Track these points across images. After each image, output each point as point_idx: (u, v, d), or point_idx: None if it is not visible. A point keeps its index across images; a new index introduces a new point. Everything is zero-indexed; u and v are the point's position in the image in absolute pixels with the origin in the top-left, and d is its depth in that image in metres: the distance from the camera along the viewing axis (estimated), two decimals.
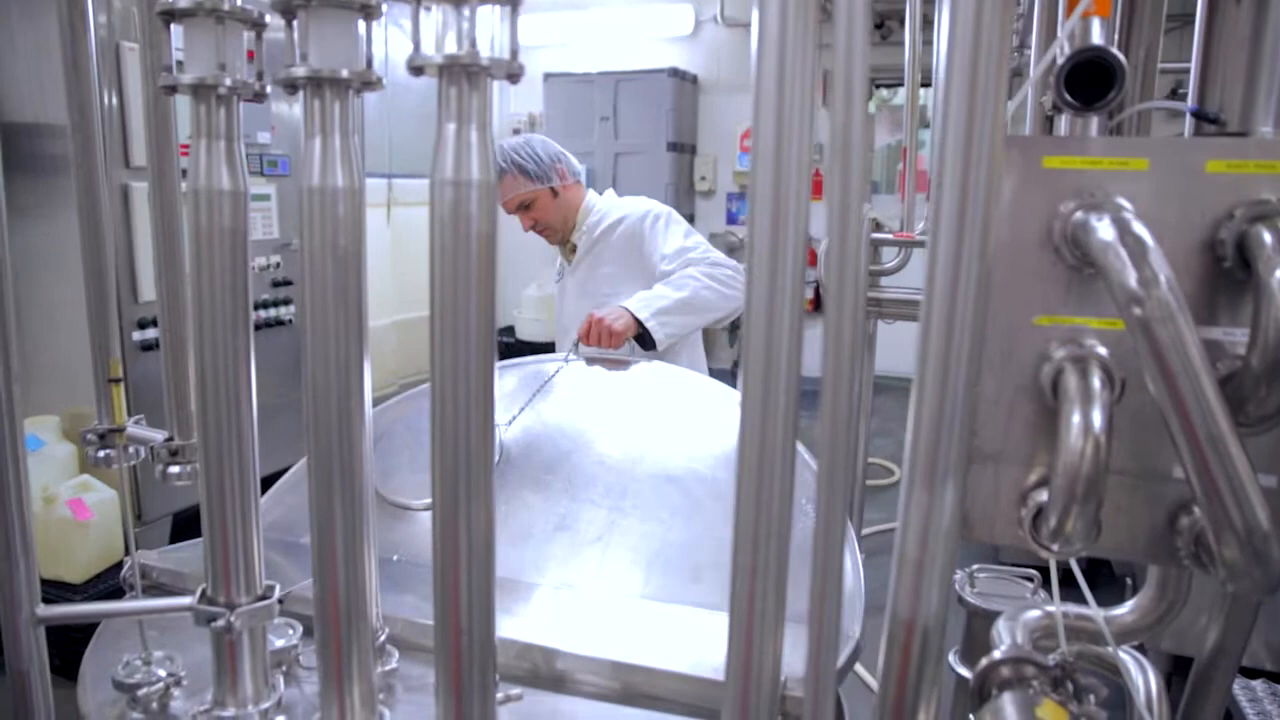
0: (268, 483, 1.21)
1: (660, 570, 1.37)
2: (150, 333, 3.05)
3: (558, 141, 2.68)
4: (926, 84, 3.60)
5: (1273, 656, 2.23)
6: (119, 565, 1.95)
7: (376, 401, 1.05)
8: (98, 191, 1.23)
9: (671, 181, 7.07)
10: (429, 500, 0.77)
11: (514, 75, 0.72)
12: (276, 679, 1.01)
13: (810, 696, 0.68)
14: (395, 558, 1.43)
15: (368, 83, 0.78)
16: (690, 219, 7.29)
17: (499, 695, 0.86)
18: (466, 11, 0.69)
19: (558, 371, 1.85)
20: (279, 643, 1.10)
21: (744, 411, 0.65)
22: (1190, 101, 1.02)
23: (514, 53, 0.71)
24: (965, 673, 1.30)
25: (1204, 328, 0.74)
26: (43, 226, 2.96)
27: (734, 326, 7.30)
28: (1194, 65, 1.03)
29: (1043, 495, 0.79)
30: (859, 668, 2.79)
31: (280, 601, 0.96)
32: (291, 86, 0.77)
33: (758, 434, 0.65)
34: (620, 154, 7.07)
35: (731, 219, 7.56)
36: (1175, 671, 1.90)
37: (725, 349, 7.49)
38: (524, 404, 1.71)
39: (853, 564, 1.22)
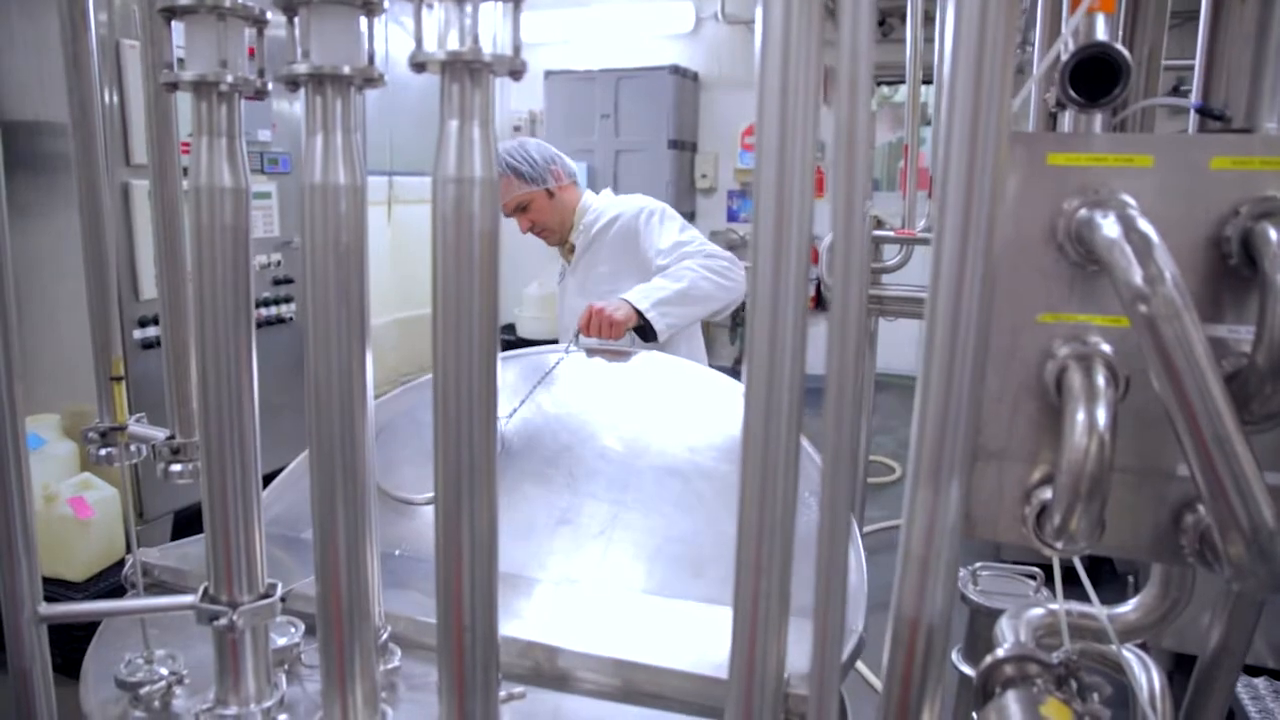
0: (268, 481, 1.21)
1: (663, 565, 1.37)
2: (151, 331, 3.05)
3: (559, 139, 2.72)
4: (928, 81, 3.60)
5: (1275, 654, 2.23)
6: (120, 563, 1.96)
7: (377, 399, 1.05)
8: (99, 189, 1.23)
9: (672, 179, 7.06)
10: (430, 494, 0.77)
11: (516, 72, 0.71)
12: (279, 677, 1.01)
13: (815, 693, 0.68)
14: (397, 552, 1.43)
15: (370, 79, 0.78)
16: (691, 216, 7.33)
17: (501, 694, 0.86)
18: (469, 8, 0.69)
19: (558, 363, 1.85)
20: (281, 641, 1.09)
21: (748, 408, 0.65)
22: (1194, 98, 1.01)
23: (516, 49, 0.71)
24: (968, 670, 1.30)
25: (1209, 325, 0.74)
26: (43, 224, 2.96)
27: (735, 324, 7.36)
28: (1198, 61, 1.02)
29: (1046, 493, 0.79)
30: (862, 666, 2.80)
31: (282, 600, 0.95)
32: (293, 83, 0.77)
33: (762, 431, 0.65)
34: (621, 151, 7.06)
35: (732, 216, 7.56)
36: (1177, 669, 1.90)
37: (726, 346, 7.49)
38: (524, 396, 1.71)
39: (856, 558, 1.22)
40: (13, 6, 2.99)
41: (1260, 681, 1.93)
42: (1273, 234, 0.70)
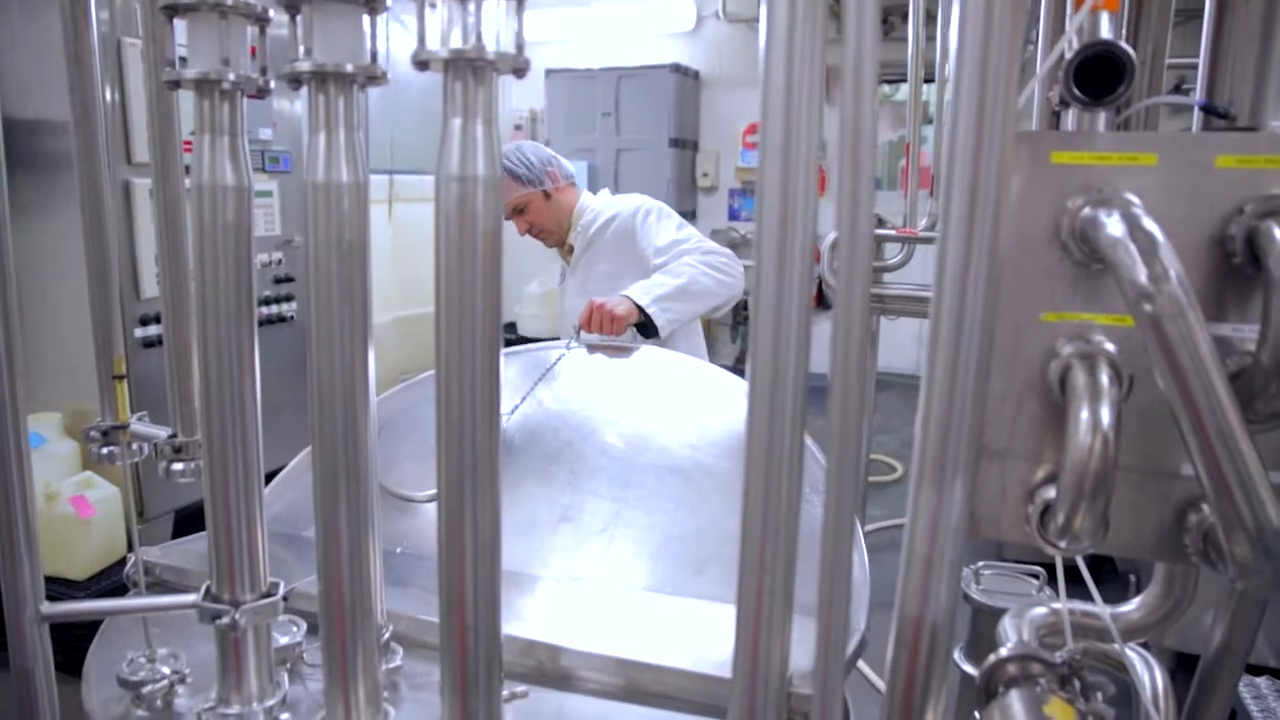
0: (267, 481, 1.21)
1: (664, 562, 1.37)
2: (152, 329, 3.05)
3: (560, 138, 2.74)
4: (929, 79, 3.60)
5: (1277, 654, 2.23)
6: (121, 562, 1.95)
7: (377, 397, 1.04)
8: (100, 188, 1.23)
9: (673, 177, 7.06)
10: (432, 492, 0.77)
11: (520, 70, 0.71)
12: (281, 676, 1.01)
13: (819, 693, 0.68)
14: (399, 550, 1.43)
15: (372, 77, 0.78)
16: (693, 215, 7.33)
17: (504, 693, 0.86)
18: (472, 6, 0.68)
19: (559, 359, 1.85)
20: (283, 640, 1.09)
21: (752, 406, 0.65)
22: (1198, 96, 1.01)
23: (520, 47, 0.71)
24: (970, 670, 1.30)
25: (1213, 324, 0.74)
26: (45, 223, 2.96)
27: (736, 323, 7.36)
28: (1202, 60, 1.02)
29: (1050, 492, 0.79)
30: (863, 665, 2.80)
31: (284, 598, 0.95)
32: (296, 81, 0.77)
33: (766, 429, 0.64)
34: (622, 150, 7.06)
35: (733, 215, 7.56)
36: (1179, 668, 1.90)
37: (728, 345, 7.49)
38: (526, 393, 1.71)
39: (858, 557, 1.22)
40: (13, 5, 2.99)
41: (1262, 681, 1.93)
42: (1277, 232, 0.70)
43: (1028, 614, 1.05)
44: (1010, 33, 0.57)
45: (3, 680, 0.99)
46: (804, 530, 0.68)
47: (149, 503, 3.09)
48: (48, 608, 0.97)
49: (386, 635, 1.08)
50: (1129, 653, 1.06)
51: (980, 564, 1.46)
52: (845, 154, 0.58)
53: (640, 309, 2.22)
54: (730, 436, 1.54)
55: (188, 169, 0.94)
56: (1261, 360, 0.71)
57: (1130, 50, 0.83)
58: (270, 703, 0.96)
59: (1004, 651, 0.79)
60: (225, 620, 0.91)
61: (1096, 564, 0.90)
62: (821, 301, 5.01)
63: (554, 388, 1.76)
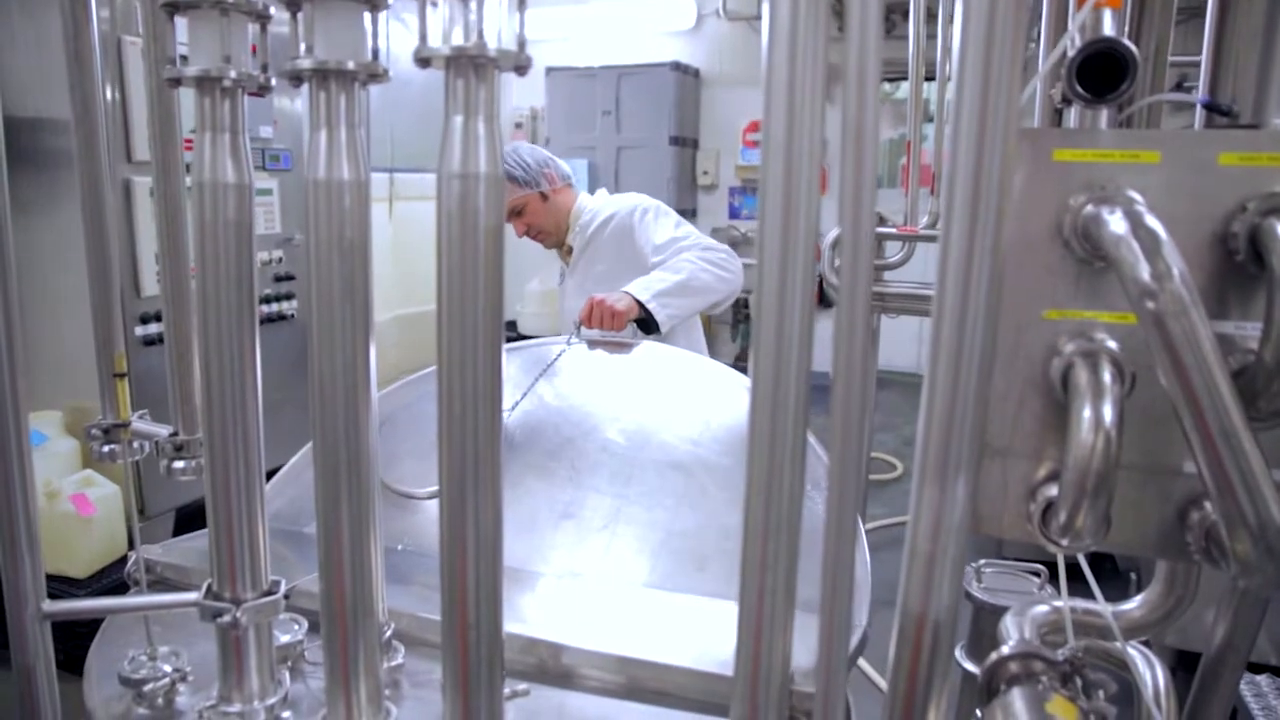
0: (267, 479, 1.21)
1: (666, 558, 1.37)
2: (153, 328, 3.05)
3: (560, 136, 2.75)
4: (930, 77, 3.59)
5: (1278, 651, 2.23)
6: (122, 560, 1.96)
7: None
8: (101, 186, 1.23)
9: (674, 176, 7.06)
10: (433, 489, 0.77)
11: (521, 67, 0.71)
12: (282, 674, 1.01)
13: (821, 691, 0.68)
14: (399, 547, 1.43)
15: (374, 75, 0.78)
16: (693, 213, 7.33)
17: (505, 691, 0.85)
18: (473, 3, 0.68)
19: (560, 355, 1.85)
20: (284, 638, 1.09)
21: (755, 404, 0.65)
22: (1201, 93, 1.01)
23: (521, 44, 0.71)
24: (972, 668, 1.30)
25: (1216, 322, 0.73)
26: (45, 221, 2.95)
27: (737, 321, 7.36)
28: (1205, 57, 1.02)
29: (1052, 490, 0.79)
30: (864, 663, 2.80)
31: (286, 596, 0.95)
32: (297, 79, 0.77)
33: (768, 427, 0.64)
34: (622, 148, 7.06)
35: (734, 213, 7.55)
36: (1180, 666, 1.90)
37: (728, 343, 7.49)
38: (526, 389, 1.70)
39: (860, 554, 1.22)
40: (14, 3, 2.99)
41: (1263, 679, 1.93)
42: None
43: (1029, 612, 1.05)
44: (1013, 30, 0.57)
45: (4, 678, 0.99)
46: (805, 527, 0.68)
47: (150, 501, 3.09)
48: (49, 605, 0.97)
49: (388, 633, 1.08)
50: (1130, 651, 1.06)
51: (981, 562, 1.46)
52: (848, 152, 0.58)
53: (641, 304, 2.22)
54: (731, 432, 1.54)
55: (188, 167, 0.94)
56: (1264, 358, 0.71)
57: (1133, 48, 0.83)
58: (271, 701, 0.96)
59: (1006, 649, 0.79)
60: (226, 618, 0.91)
61: (1096, 562, 0.90)
62: (822, 300, 5.01)
63: (555, 384, 1.76)
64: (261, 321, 0.91)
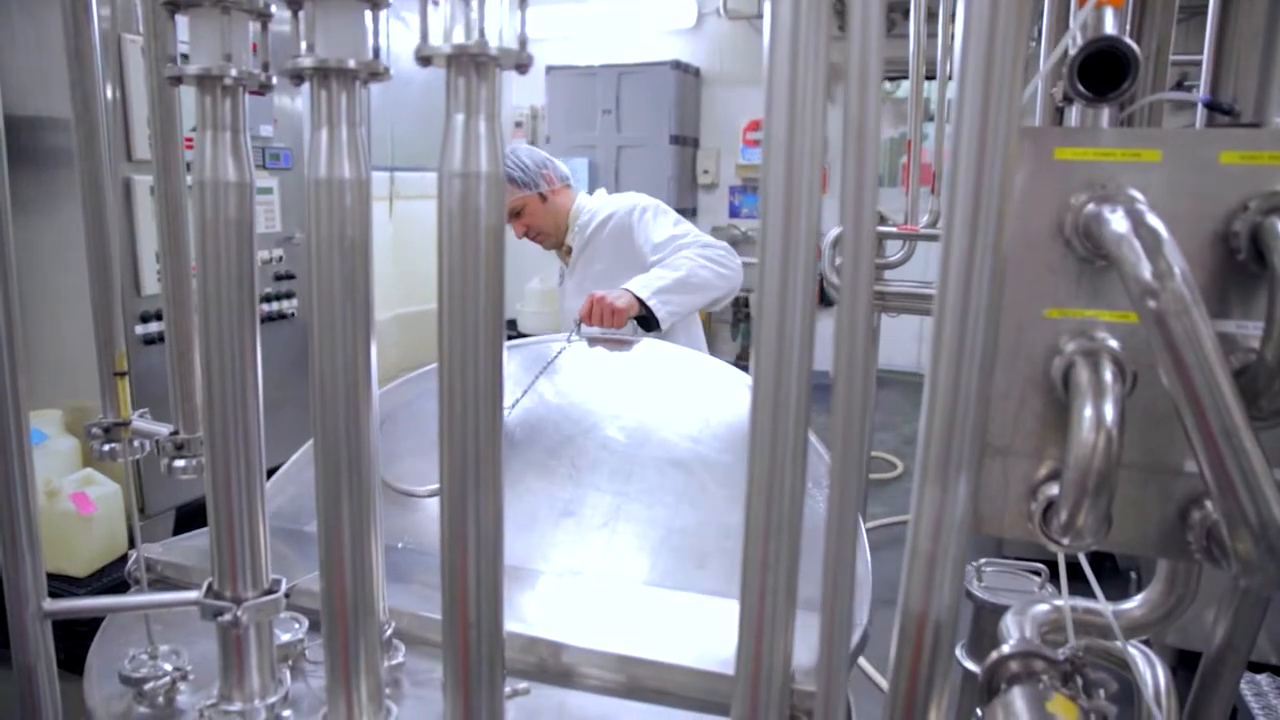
0: (268, 477, 1.21)
1: (666, 556, 1.37)
2: (153, 326, 3.05)
3: (560, 135, 2.76)
4: (931, 77, 3.59)
5: (1278, 651, 2.23)
6: (122, 559, 1.95)
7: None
8: (101, 184, 1.23)
9: (674, 175, 7.06)
10: (434, 487, 0.77)
11: (522, 65, 0.71)
12: (283, 673, 1.01)
13: (822, 690, 0.68)
14: (400, 545, 1.43)
15: (375, 73, 0.78)
16: (693, 212, 7.33)
17: (505, 689, 0.85)
18: (474, 2, 0.68)
19: (560, 352, 1.85)
20: (285, 637, 1.09)
21: (756, 404, 0.65)
22: (1202, 92, 1.01)
23: (523, 43, 0.71)
24: (972, 667, 1.30)
25: (1217, 321, 0.73)
26: (46, 220, 2.95)
27: (737, 320, 7.35)
28: (1206, 56, 1.02)
29: (1053, 489, 0.79)
30: (865, 662, 2.80)
31: (286, 595, 0.95)
32: (298, 77, 0.77)
33: (769, 426, 0.64)
34: (623, 147, 7.06)
35: (734, 212, 7.55)
36: (1180, 665, 1.90)
37: (728, 342, 7.49)
38: (527, 386, 1.70)
39: (860, 553, 1.22)
40: (14, 1, 2.98)
41: (1263, 678, 1.93)
42: None
43: (1030, 611, 1.05)
44: (1015, 29, 0.57)
45: (5, 677, 0.99)
46: (806, 525, 0.68)
47: (150, 499, 3.09)
48: (50, 604, 0.97)
49: (389, 632, 1.08)
50: (1131, 650, 1.06)
51: (982, 561, 1.46)
52: (849, 151, 0.58)
53: (641, 302, 2.22)
54: (731, 430, 1.54)
55: (189, 165, 0.94)
56: (1266, 357, 0.71)
57: (1135, 46, 0.82)
58: (272, 700, 0.96)
59: (1006, 648, 0.79)
60: (227, 617, 0.91)
61: (1096, 561, 0.90)
62: (823, 299, 5.01)
63: (555, 381, 1.76)
64: (261, 320, 0.91)
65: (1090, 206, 0.74)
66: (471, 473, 0.74)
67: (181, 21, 0.85)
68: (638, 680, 1.09)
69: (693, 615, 1.24)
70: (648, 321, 2.25)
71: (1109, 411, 0.71)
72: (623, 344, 2.00)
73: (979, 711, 0.78)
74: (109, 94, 2.87)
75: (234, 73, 0.83)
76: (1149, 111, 1.14)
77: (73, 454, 2.98)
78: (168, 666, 1.06)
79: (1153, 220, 0.69)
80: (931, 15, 3.34)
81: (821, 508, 0.65)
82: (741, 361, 6.31)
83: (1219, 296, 0.75)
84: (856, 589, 0.69)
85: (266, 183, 3.56)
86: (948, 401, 0.62)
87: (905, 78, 3.58)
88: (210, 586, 0.94)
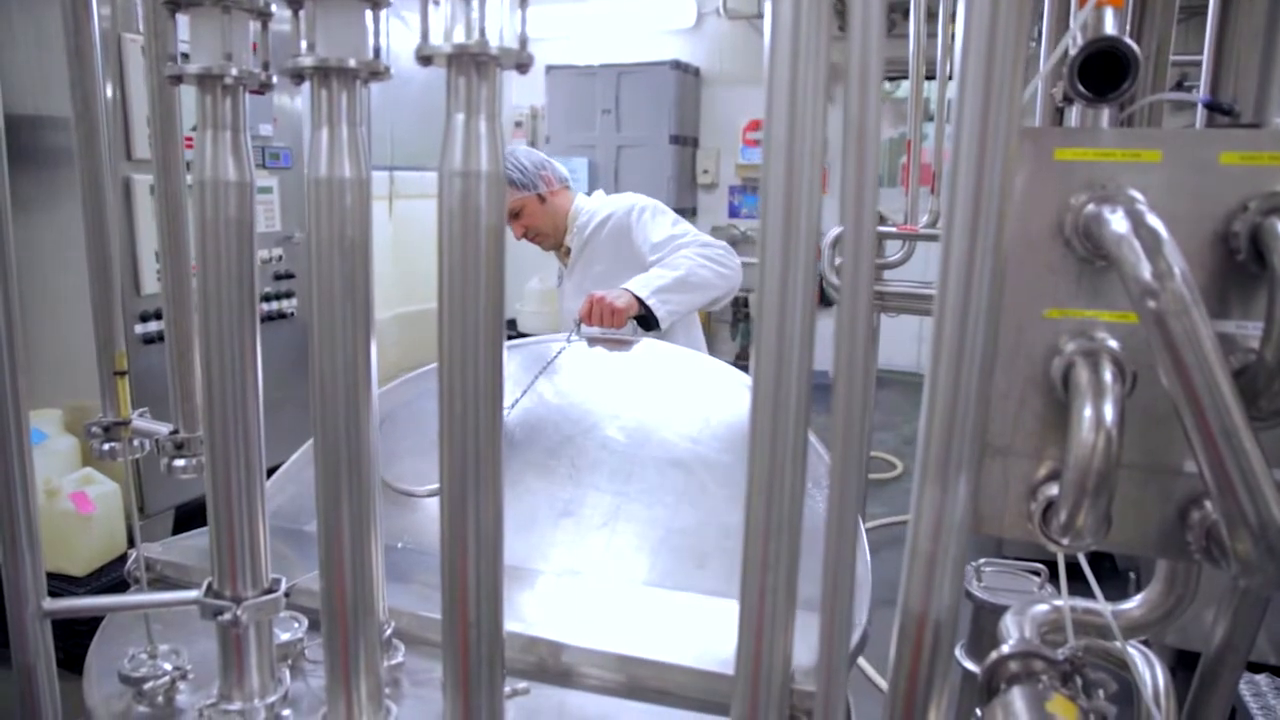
0: (268, 476, 1.21)
1: (665, 556, 1.37)
2: (153, 326, 3.05)
3: (560, 134, 2.76)
4: (931, 77, 3.59)
5: (1277, 651, 2.24)
6: (122, 558, 1.95)
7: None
8: (101, 183, 1.23)
9: (674, 174, 7.06)
10: (433, 486, 0.77)
11: (523, 65, 0.71)
12: (283, 673, 1.01)
13: (822, 690, 0.68)
14: (400, 545, 1.43)
15: (375, 72, 0.78)
16: (693, 212, 7.33)
17: (505, 689, 0.85)
18: (475, 1, 0.68)
19: (560, 352, 1.85)
20: (285, 636, 1.09)
21: (756, 404, 0.65)
22: (1202, 93, 1.01)
23: (523, 42, 0.71)
24: (972, 667, 1.30)
25: (1217, 321, 0.73)
26: (46, 219, 2.95)
27: (736, 320, 7.35)
28: (1206, 56, 1.02)
29: (1052, 489, 0.79)
30: (864, 662, 2.80)
31: (286, 595, 0.95)
32: (298, 76, 0.77)
33: (769, 426, 0.64)
34: (622, 147, 7.06)
35: (734, 212, 7.55)
36: (1179, 666, 1.90)
37: (728, 342, 7.49)
38: (526, 386, 1.70)
39: (860, 553, 1.22)
40: (13, 1, 2.98)
41: (1262, 678, 1.93)
42: None
43: (1029, 611, 1.05)
44: (1015, 29, 0.57)
45: (4, 677, 0.99)
46: (806, 525, 0.68)
47: (150, 499, 3.09)
48: (49, 604, 0.97)
49: (388, 632, 1.08)
50: (1130, 650, 1.06)
51: (981, 561, 1.46)
52: (849, 151, 0.58)
53: (640, 301, 2.22)
54: (731, 430, 1.54)
55: (189, 165, 0.94)
56: (1265, 357, 0.71)
57: (1135, 47, 0.82)
58: (272, 699, 0.96)
59: (1006, 648, 0.79)
60: (227, 616, 0.91)
61: (1095, 561, 0.90)
62: (822, 299, 5.01)
63: (555, 381, 1.76)
64: (261, 320, 0.91)
65: (1090, 207, 0.74)
66: (471, 473, 0.74)
67: (182, 21, 0.85)
68: (638, 680, 1.09)
69: (693, 615, 1.24)
70: (647, 321, 2.26)
71: (1109, 412, 0.71)
72: (622, 344, 2.00)
73: (978, 711, 0.77)
74: (109, 93, 2.87)
75: (234, 72, 0.83)
76: (1149, 112, 1.14)
77: (72, 453, 2.98)
78: (167, 666, 1.06)
79: (1153, 220, 0.69)
80: (931, 15, 3.34)
81: (821, 508, 0.65)
82: (741, 361, 6.32)
83: (1219, 297, 0.75)
84: (856, 589, 0.69)
85: (266, 182, 3.56)
86: (948, 401, 0.62)
87: (905, 78, 3.58)
88: (210, 586, 0.94)
